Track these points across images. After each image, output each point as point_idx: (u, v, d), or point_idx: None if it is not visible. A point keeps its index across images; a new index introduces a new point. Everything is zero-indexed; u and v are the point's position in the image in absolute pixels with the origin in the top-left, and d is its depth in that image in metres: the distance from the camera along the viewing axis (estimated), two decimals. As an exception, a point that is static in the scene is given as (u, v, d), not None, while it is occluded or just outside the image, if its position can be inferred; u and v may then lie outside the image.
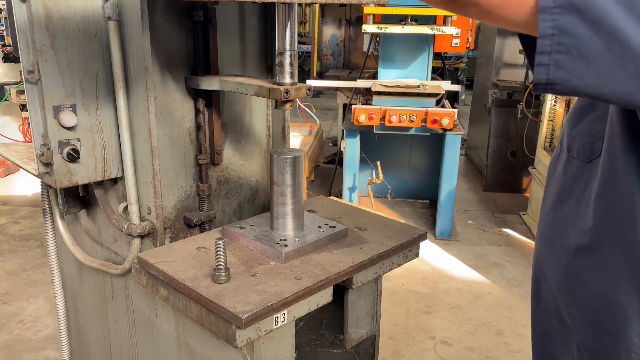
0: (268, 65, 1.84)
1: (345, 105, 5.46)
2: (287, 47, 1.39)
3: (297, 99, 1.96)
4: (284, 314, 1.30)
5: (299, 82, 1.47)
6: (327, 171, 6.33)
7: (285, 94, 1.39)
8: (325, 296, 1.40)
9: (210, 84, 1.57)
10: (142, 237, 1.61)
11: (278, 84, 1.42)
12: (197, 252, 1.49)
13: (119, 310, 1.88)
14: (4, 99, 1.80)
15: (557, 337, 1.15)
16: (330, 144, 8.01)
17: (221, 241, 1.29)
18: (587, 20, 0.69)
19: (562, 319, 1.09)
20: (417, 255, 1.70)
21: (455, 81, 7.36)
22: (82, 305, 2.13)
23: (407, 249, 1.64)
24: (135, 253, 1.63)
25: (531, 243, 4.72)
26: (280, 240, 1.50)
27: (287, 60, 1.41)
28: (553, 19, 0.70)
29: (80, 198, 1.84)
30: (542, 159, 4.93)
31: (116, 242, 1.77)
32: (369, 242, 1.58)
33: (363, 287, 1.61)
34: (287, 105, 1.43)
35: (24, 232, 4.60)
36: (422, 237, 1.67)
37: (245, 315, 1.18)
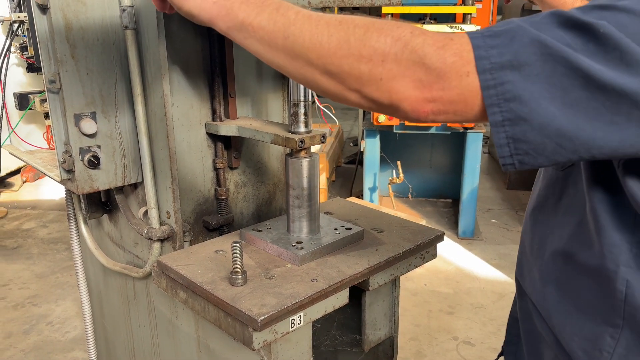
0: (283, 69, 1.85)
1: (365, 105, 5.45)
2: (302, 98, 1.46)
3: (315, 97, 1.97)
4: (300, 316, 1.31)
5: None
6: (348, 171, 6.34)
7: (300, 143, 1.46)
8: (341, 298, 1.40)
9: (229, 129, 1.62)
10: (162, 240, 1.64)
11: (293, 132, 1.49)
12: (215, 255, 1.51)
13: (141, 313, 1.92)
14: (28, 107, 1.86)
15: (535, 338, 1.14)
16: (351, 144, 8.01)
17: (237, 244, 1.31)
18: (535, 128, 0.72)
19: (541, 320, 1.08)
20: (434, 256, 1.70)
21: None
22: (107, 308, 2.18)
23: (424, 250, 1.63)
24: (156, 256, 1.66)
25: (556, 241, 4.65)
26: (297, 242, 1.51)
27: (302, 111, 1.47)
28: (505, 131, 0.73)
29: (102, 203, 1.88)
30: (566, 156, 4.85)
31: (137, 245, 1.81)
32: (385, 243, 1.58)
33: (380, 289, 1.61)
34: (302, 153, 1.51)
35: (52, 235, 4.72)
36: (439, 238, 1.67)
37: (261, 318, 1.20)
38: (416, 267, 1.65)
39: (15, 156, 1.90)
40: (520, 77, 0.70)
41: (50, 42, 1.45)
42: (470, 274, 4.09)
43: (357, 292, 1.59)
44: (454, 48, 0.72)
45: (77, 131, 1.52)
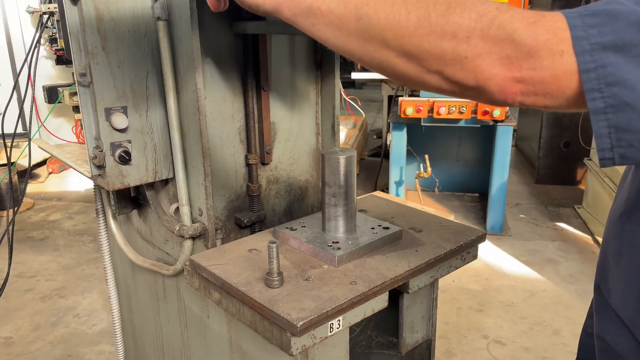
0: (317, 61, 1.79)
1: (390, 97, 5.36)
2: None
3: (342, 92, 1.90)
4: (339, 320, 1.25)
5: (344, 74, 1.43)
6: (371, 164, 6.25)
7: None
8: (380, 301, 1.35)
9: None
10: (193, 238, 1.60)
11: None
12: (249, 255, 1.46)
13: (171, 311, 1.89)
14: (57, 101, 1.83)
15: (613, 356, 1.04)
16: (375, 137, 7.92)
17: (274, 245, 1.26)
18: None
19: (628, 337, 0.99)
20: (475, 257, 1.63)
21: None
22: (135, 304, 2.16)
23: (465, 251, 1.56)
24: (187, 254, 1.62)
25: (587, 238, 4.53)
26: (333, 242, 1.46)
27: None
28: (607, 119, 0.66)
29: (132, 199, 1.85)
30: (600, 150, 4.70)
31: (167, 242, 1.77)
32: (424, 244, 1.51)
33: (418, 291, 1.55)
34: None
35: (77, 227, 4.74)
36: (481, 238, 1.60)
37: (301, 323, 1.15)
38: (456, 268, 1.58)
39: (44, 150, 1.87)
40: (624, 59, 0.62)
41: (81, 34, 1.41)
42: (499, 271, 4.00)
43: (395, 293, 1.53)
44: (547, 25, 0.65)
45: (108, 126, 1.48)
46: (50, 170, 6.05)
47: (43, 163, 6.02)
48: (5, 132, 1.82)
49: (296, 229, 1.55)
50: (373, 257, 1.43)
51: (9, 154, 1.81)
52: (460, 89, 0.70)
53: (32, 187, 5.63)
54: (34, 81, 1.82)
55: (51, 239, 4.46)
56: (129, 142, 1.53)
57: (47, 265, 3.99)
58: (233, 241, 1.56)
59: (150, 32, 1.49)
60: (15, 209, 1.91)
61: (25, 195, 5.37)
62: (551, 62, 0.64)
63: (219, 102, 1.57)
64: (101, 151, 1.48)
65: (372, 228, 1.54)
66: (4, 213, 4.87)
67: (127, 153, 1.51)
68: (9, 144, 1.78)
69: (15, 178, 5.22)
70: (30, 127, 1.86)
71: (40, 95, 1.91)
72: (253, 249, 1.49)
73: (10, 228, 1.94)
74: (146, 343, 2.17)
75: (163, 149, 1.60)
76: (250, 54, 1.58)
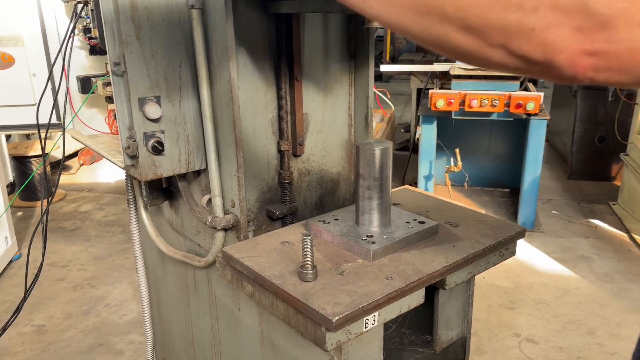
0: (351, 52, 1.75)
1: (419, 90, 5.28)
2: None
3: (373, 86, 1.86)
4: (374, 316, 1.22)
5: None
6: (399, 158, 6.18)
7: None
8: (417, 298, 1.31)
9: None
10: (225, 230, 1.59)
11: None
12: (282, 247, 1.44)
13: (201, 302, 1.88)
14: (90, 91, 1.83)
15: None
16: (402, 130, 7.83)
17: (308, 237, 1.23)
18: None
19: None
20: (513, 253, 1.58)
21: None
22: (165, 294, 2.16)
23: (504, 247, 1.52)
24: (219, 246, 1.61)
25: (623, 235, 4.40)
26: (367, 236, 1.42)
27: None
28: None
29: (163, 190, 1.84)
30: (638, 144, 4.56)
31: (199, 234, 1.76)
32: (462, 239, 1.47)
33: (454, 287, 1.50)
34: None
35: (108, 218, 4.80)
36: (521, 234, 1.55)
37: (336, 318, 1.12)
38: (494, 264, 1.53)
39: (78, 140, 1.88)
40: None
41: (115, 22, 1.40)
42: (531, 268, 3.91)
43: (430, 288, 1.49)
44: None
45: (141, 116, 1.47)
46: (81, 162, 6.15)
47: (74, 155, 6.12)
48: (41, 122, 1.83)
49: (329, 222, 1.52)
50: (409, 252, 1.40)
51: (43, 145, 1.82)
52: (525, 64, 0.64)
53: (64, 179, 5.73)
54: (68, 72, 1.83)
55: (82, 230, 4.53)
56: (162, 132, 1.52)
57: (79, 255, 4.05)
58: (265, 233, 1.54)
59: (184, 21, 1.48)
60: (50, 199, 1.92)
61: (58, 187, 5.46)
62: (628, 33, 0.58)
63: (252, 92, 1.55)
64: (134, 141, 1.48)
65: (407, 222, 1.50)
66: (38, 203, 4.97)
67: (160, 143, 1.50)
68: (44, 135, 1.79)
69: (48, 169, 5.31)
70: (64, 118, 1.86)
71: (74, 86, 1.91)
72: (285, 241, 1.47)
73: (45, 218, 1.95)
74: (175, 334, 2.18)
75: (196, 139, 1.59)
76: (284, 42, 1.56)
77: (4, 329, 2.24)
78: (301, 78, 1.62)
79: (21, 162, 4.78)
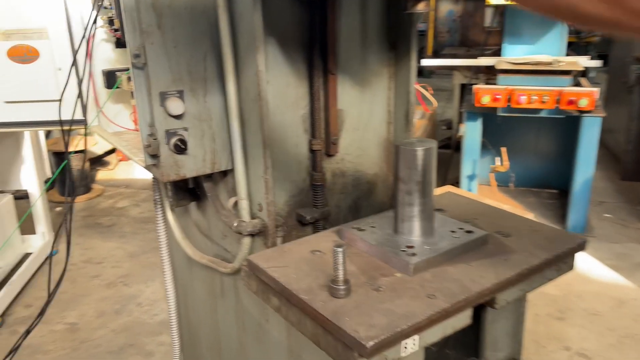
0: (392, 42, 1.60)
1: (463, 86, 5.06)
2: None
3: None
4: (414, 340, 1.08)
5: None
6: (440, 156, 5.94)
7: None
8: (463, 319, 1.16)
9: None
10: (252, 235, 1.47)
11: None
12: (312, 257, 1.31)
13: (228, 310, 1.78)
14: (115, 86, 1.75)
15: None
16: (444, 127, 7.59)
17: (340, 249, 1.10)
18: None
19: None
20: (571, 267, 1.41)
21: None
22: (192, 299, 2.07)
23: (562, 261, 1.34)
24: (245, 252, 1.49)
25: (684, 242, 4.08)
26: (407, 247, 1.28)
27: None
28: None
29: (189, 190, 1.74)
30: (701, 144, 4.22)
31: (226, 238, 1.66)
32: (515, 252, 1.30)
33: (505, 305, 1.34)
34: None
35: (144, 214, 4.79)
36: (581, 246, 1.38)
37: (371, 343, 0.98)
38: (550, 280, 1.36)
39: (102, 137, 1.81)
40: None
41: (135, 11, 1.30)
42: (582, 275, 3.66)
43: (477, 306, 1.33)
44: None
45: (162, 111, 1.36)
46: (119, 157, 6.19)
47: (113, 150, 6.16)
48: (66, 118, 1.76)
49: (364, 230, 1.38)
50: (454, 266, 1.24)
51: (66, 140, 1.75)
52: None
53: (102, 174, 5.77)
54: (93, 66, 1.75)
55: (118, 226, 4.53)
56: (185, 129, 1.41)
57: (114, 252, 4.04)
58: (294, 241, 1.41)
59: (208, 9, 1.36)
60: (72, 199, 1.85)
61: (95, 182, 5.51)
62: None
63: (282, 86, 1.42)
64: (155, 139, 1.37)
65: (452, 231, 1.35)
66: (77, 199, 5.00)
67: (183, 141, 1.39)
68: (75, 132, 1.72)
69: (87, 165, 5.35)
70: (85, 114, 1.78)
71: (99, 81, 1.83)
72: (316, 250, 1.34)
73: (68, 217, 1.88)
74: (203, 340, 2.08)
75: (222, 137, 1.48)
76: (318, 32, 1.42)
77: (28, 331, 2.19)
78: (336, 71, 1.48)
79: (60, 158, 4.82)
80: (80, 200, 4.99)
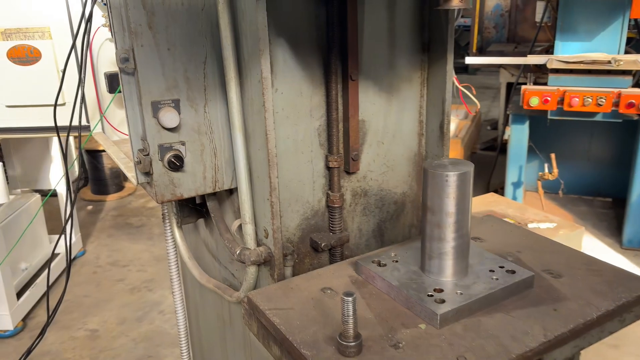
0: (424, 42, 1.38)
1: (510, 85, 4.74)
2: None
3: (454, 78, 1.50)
4: (438, 415, 0.87)
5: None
6: (484, 159, 5.66)
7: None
8: (501, 387, 0.94)
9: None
10: (258, 264, 1.29)
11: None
12: (321, 297, 1.11)
13: (237, 340, 1.61)
14: (117, 90, 1.60)
15: None
16: (489, 128, 7.24)
17: (350, 299, 0.90)
18: None
19: None
20: (638, 317, 1.16)
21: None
22: (204, 320, 1.91)
23: (628, 310, 1.10)
24: (251, 283, 1.31)
25: None
26: (435, 290, 1.06)
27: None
28: None
29: (197, 205, 1.57)
30: None
31: (233, 262, 1.48)
32: (567, 299, 1.07)
33: (554, 361, 1.11)
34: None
35: (174, 215, 4.70)
36: (651, 293, 1.12)
37: None
38: (611, 333, 1.12)
39: (102, 145, 1.66)
40: None
41: (123, 7, 1.13)
42: (639, 296, 3.33)
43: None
44: None
45: (155, 123, 1.19)
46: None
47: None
48: (65, 124, 1.62)
49: (385, 265, 1.17)
50: (492, 317, 1.02)
51: (64, 147, 1.60)
52: None
53: (136, 172, 5.73)
54: (94, 66, 1.60)
55: (147, 227, 4.45)
56: (182, 143, 1.23)
57: (140, 255, 3.95)
58: (304, 274, 1.22)
59: (209, 6, 1.18)
60: (73, 198, 1.71)
61: (128, 180, 5.46)
62: None
63: (293, 95, 1.23)
64: (147, 155, 1.20)
65: (490, 270, 1.13)
66: (109, 197, 4.96)
67: (179, 158, 1.22)
68: (64, 138, 1.58)
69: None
70: (80, 119, 1.63)
71: (103, 84, 1.68)
72: (327, 288, 1.14)
73: (69, 212, 1.74)
74: (216, 365, 1.92)
75: (225, 153, 1.30)
76: (336, 31, 1.22)
77: (40, 337, 2.06)
78: (357, 76, 1.28)
79: (93, 156, 4.78)
80: (111, 199, 4.95)
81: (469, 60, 4.27)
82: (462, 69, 9.65)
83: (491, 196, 3.49)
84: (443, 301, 1.03)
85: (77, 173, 4.71)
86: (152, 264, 3.83)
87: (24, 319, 3.15)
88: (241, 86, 1.20)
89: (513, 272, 1.12)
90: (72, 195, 1.75)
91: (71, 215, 1.76)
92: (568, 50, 3.83)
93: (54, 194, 3.87)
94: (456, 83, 2.44)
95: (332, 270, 1.23)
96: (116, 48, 1.17)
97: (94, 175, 4.78)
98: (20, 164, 3.60)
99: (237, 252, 1.27)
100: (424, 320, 1.01)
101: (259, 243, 1.29)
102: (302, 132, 1.27)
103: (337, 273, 1.21)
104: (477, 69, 10.19)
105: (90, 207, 4.84)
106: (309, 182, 1.31)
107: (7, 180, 3.00)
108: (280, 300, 1.11)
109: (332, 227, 1.36)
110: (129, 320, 3.16)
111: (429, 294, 1.05)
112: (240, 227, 1.34)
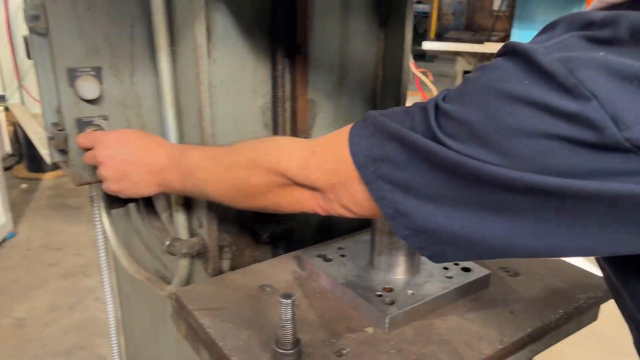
0: (381, 16, 1.27)
1: (466, 73, 4.71)
2: None
3: (411, 64, 1.41)
4: None
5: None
6: (438, 147, 5.64)
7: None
8: (452, 399, 0.85)
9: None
10: (191, 256, 1.16)
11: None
12: (260, 295, 1.00)
13: (169, 336, 1.47)
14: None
15: None
16: (443, 116, 7.26)
17: (289, 302, 0.78)
18: None
19: None
20: (594, 318, 1.10)
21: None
22: (137, 312, 1.76)
23: (586, 312, 1.04)
24: (183, 277, 1.19)
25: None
26: (384, 290, 0.97)
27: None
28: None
29: (127, 189, 1.42)
30: None
31: (165, 253, 1.34)
32: (523, 299, 1.00)
33: (508, 366, 1.04)
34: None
35: (116, 196, 4.46)
36: (608, 295, 1.06)
37: None
38: (567, 336, 1.06)
39: (18, 119, 1.48)
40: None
41: (32, -44, 0.96)
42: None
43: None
44: None
45: (72, 94, 1.03)
46: (98, 132, 5.83)
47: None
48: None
49: (331, 259, 1.06)
50: (445, 319, 0.93)
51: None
52: None
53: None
54: (11, 29, 1.41)
55: (86, 209, 4.19)
56: (104, 118, 1.08)
57: (77, 238, 3.72)
58: (241, 270, 1.10)
59: (137, -40, 1.02)
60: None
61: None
62: None
63: (234, 67, 1.09)
64: (62, 130, 1.05)
65: (444, 268, 1.04)
66: (45, 175, 4.66)
67: (100, 134, 1.06)
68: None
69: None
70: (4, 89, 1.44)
71: (21, 49, 1.49)
72: (267, 285, 1.03)
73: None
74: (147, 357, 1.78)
75: (156, 129, 1.15)
76: (283, -2, 1.09)
77: None
78: (307, 49, 1.15)
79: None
80: (48, 177, 4.65)
81: (427, 45, 4.22)
82: (420, 56, 9.66)
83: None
84: (393, 302, 0.93)
85: (6, 149, 4.40)
86: (90, 247, 3.60)
87: (-56, 306, 2.90)
88: (174, 55, 1.05)
89: (468, 269, 1.03)
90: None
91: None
92: (525, 40, 3.81)
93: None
94: (413, 68, 2.34)
95: (273, 264, 1.11)
96: (25, 3, 1.00)
97: (29, 151, 4.46)
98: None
99: (167, 243, 1.14)
100: (372, 323, 0.91)
101: (192, 233, 1.16)
102: (243, 110, 1.13)
103: (279, 268, 1.09)
104: (435, 56, 10.23)
105: (24, 186, 4.53)
106: (251, 166, 1.18)
107: None
108: (212, 299, 0.98)
109: (276, 216, 1.24)
110: (61, 307, 2.96)
111: (378, 293, 0.95)
112: (170, 216, 1.20)
